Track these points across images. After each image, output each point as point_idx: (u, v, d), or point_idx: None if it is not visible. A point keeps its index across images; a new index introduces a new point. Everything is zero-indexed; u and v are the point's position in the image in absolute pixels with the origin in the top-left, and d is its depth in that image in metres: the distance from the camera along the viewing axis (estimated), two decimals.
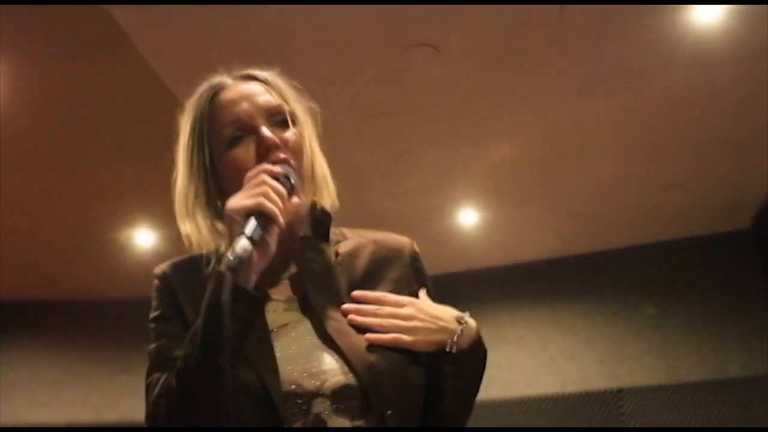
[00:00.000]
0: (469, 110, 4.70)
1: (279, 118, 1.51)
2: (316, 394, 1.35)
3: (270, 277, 1.43)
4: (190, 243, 1.54)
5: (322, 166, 1.58)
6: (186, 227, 1.54)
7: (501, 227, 6.13)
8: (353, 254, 1.58)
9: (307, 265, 1.52)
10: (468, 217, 6.00)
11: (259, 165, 1.41)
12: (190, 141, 1.55)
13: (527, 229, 6.15)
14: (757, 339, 5.78)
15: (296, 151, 1.48)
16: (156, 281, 1.54)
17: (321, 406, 1.35)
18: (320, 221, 1.57)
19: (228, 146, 1.49)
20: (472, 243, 6.30)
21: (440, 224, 6.03)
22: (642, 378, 6.03)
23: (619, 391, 5.98)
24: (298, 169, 1.45)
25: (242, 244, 1.25)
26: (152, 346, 1.47)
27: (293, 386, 1.35)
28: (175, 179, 1.57)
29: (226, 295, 1.20)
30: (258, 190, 1.32)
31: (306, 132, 1.54)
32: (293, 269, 1.53)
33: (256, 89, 1.54)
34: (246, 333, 1.32)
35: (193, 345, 1.31)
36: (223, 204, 1.39)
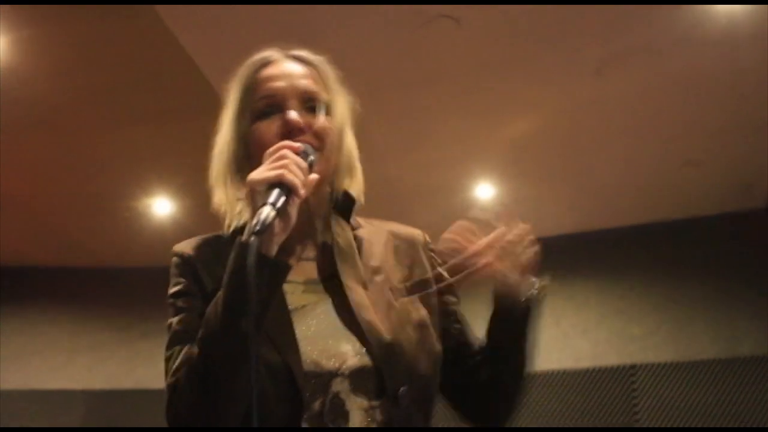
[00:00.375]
0: (488, 84, 4.69)
1: (313, 104, 1.51)
2: (335, 373, 1.38)
3: (287, 257, 1.44)
4: (219, 210, 1.56)
5: (351, 161, 1.59)
6: (216, 194, 1.56)
7: (517, 202, 6.12)
8: (370, 241, 1.59)
9: (336, 239, 1.54)
10: (484, 191, 6.00)
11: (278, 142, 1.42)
12: (232, 109, 1.56)
13: (543, 205, 6.14)
14: None
15: (321, 137, 1.49)
16: (175, 258, 1.55)
17: (340, 386, 1.37)
18: (344, 204, 1.58)
19: (255, 119, 1.51)
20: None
21: (456, 198, 6.03)
22: (654, 355, 6.03)
23: (632, 367, 5.99)
24: (320, 155, 1.45)
25: (266, 211, 1.27)
26: (172, 320, 1.48)
27: (313, 366, 1.37)
28: (215, 145, 1.59)
29: (251, 259, 1.23)
30: (280, 163, 1.33)
31: (337, 124, 1.54)
32: (310, 250, 1.55)
33: (299, 71, 1.55)
34: (269, 301, 1.33)
35: (216, 311, 1.32)
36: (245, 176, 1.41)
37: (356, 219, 1.63)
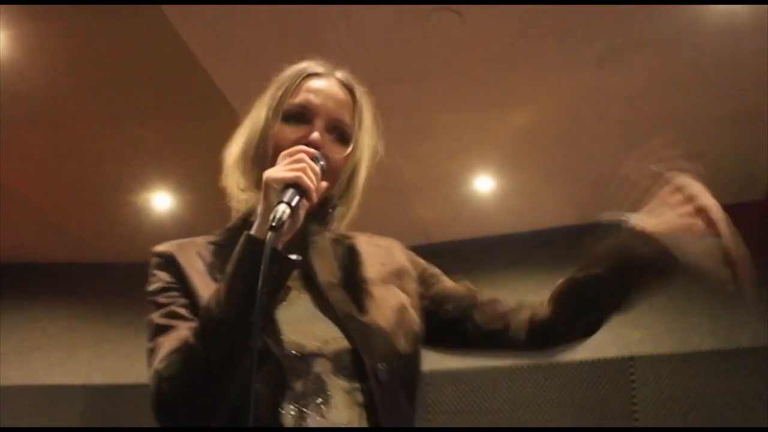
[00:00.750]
0: (489, 76, 4.70)
1: (339, 134, 1.57)
2: (316, 355, 1.41)
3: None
4: (227, 196, 1.62)
5: (352, 194, 1.65)
6: (230, 175, 1.62)
7: (517, 194, 6.13)
8: (360, 246, 1.66)
9: (312, 239, 1.60)
10: (484, 183, 6.01)
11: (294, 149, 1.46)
12: (267, 104, 1.60)
13: (543, 197, 6.15)
14: None
15: (333, 168, 1.53)
16: (156, 258, 1.58)
17: (321, 367, 1.41)
18: (323, 209, 1.62)
19: (284, 120, 1.55)
20: (488, 210, 6.31)
21: (456, 190, 6.04)
22: (653, 346, 6.05)
23: (631, 358, 6.00)
24: (321, 189, 1.47)
25: (282, 209, 1.31)
26: (153, 315, 1.50)
27: (294, 347, 1.41)
28: (242, 129, 1.63)
29: (267, 252, 1.26)
30: (298, 165, 1.38)
31: (354, 158, 1.61)
32: (294, 249, 1.57)
33: (339, 96, 1.61)
34: (273, 295, 1.38)
35: (219, 300, 1.34)
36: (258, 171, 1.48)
37: (342, 230, 1.69)
